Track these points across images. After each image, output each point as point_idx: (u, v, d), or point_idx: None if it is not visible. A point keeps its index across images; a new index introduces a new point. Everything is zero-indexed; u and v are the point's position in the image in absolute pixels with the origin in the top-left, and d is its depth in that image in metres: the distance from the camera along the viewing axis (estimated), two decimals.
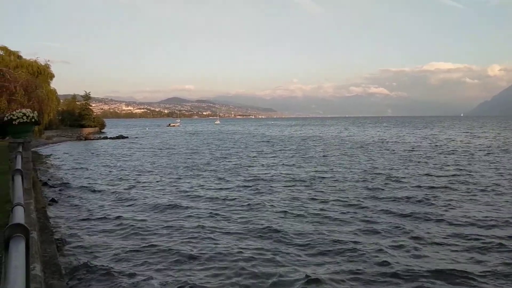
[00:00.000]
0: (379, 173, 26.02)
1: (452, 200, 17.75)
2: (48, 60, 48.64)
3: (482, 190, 19.94)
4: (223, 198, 19.07)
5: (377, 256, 10.87)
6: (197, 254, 11.29)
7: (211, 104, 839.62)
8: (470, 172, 26.24)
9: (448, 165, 29.79)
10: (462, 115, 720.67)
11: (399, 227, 13.55)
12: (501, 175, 24.74)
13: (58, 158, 39.93)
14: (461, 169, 27.46)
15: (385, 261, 10.51)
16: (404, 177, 24.17)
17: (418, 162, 32.26)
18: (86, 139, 72.61)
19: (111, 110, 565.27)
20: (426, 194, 19.09)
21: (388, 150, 44.70)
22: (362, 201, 17.62)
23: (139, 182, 24.51)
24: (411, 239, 12.38)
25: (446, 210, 15.91)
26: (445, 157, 35.98)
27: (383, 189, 20.46)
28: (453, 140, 59.12)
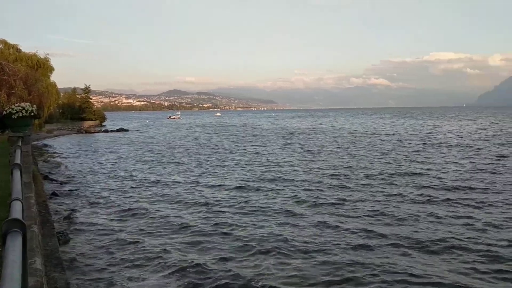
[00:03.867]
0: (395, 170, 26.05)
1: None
2: (48, 54, 48.42)
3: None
4: (230, 194, 19.15)
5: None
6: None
7: (212, 96, 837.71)
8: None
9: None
10: (464, 105, 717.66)
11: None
12: None
13: (59, 151, 39.97)
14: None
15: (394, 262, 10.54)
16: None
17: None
18: (86, 132, 72.67)
19: (111, 103, 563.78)
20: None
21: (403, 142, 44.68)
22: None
23: (142, 174, 24.56)
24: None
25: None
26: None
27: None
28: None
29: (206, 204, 16.41)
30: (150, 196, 18.27)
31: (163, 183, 21.52)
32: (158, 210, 15.53)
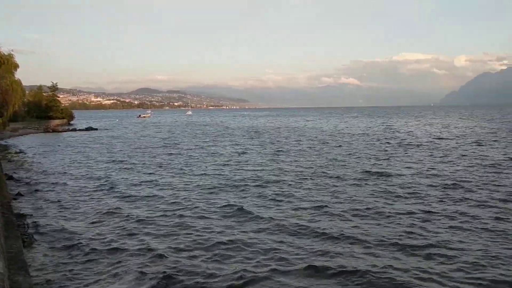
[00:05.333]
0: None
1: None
2: (12, 50, 46.88)
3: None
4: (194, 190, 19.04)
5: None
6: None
7: (183, 95, 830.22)
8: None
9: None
10: (432, 104, 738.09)
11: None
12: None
13: (24, 151, 38.82)
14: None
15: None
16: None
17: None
18: (53, 131, 70.90)
19: (79, 102, 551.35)
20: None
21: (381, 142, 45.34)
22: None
23: (109, 174, 24.14)
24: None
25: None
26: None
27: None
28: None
29: (171, 203, 16.34)
30: (116, 197, 17.99)
31: (129, 183, 21.23)
32: (124, 211, 15.30)
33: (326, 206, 15.35)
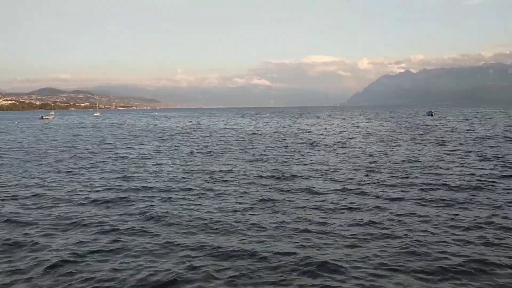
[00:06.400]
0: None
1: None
2: None
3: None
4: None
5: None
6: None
7: (90, 95, 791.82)
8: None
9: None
10: (339, 105, 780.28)
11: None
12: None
13: None
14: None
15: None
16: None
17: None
18: None
19: None
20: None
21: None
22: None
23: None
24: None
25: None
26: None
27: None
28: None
29: (61, 206, 15.00)
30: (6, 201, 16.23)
31: (23, 188, 19.70)
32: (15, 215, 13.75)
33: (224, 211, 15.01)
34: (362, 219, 13.74)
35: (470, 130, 55.24)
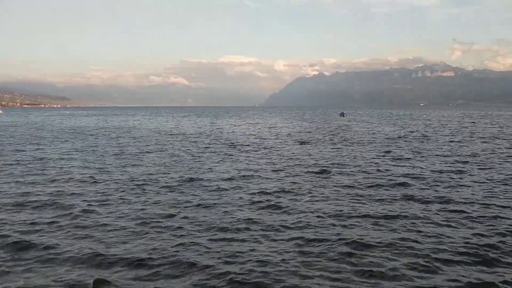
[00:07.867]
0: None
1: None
2: None
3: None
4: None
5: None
6: None
7: None
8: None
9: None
10: (257, 105, 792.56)
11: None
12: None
13: None
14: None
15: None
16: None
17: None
18: None
19: None
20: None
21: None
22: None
23: None
24: None
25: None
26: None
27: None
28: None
29: None
30: None
31: None
32: None
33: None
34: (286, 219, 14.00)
35: (380, 131, 59.01)
